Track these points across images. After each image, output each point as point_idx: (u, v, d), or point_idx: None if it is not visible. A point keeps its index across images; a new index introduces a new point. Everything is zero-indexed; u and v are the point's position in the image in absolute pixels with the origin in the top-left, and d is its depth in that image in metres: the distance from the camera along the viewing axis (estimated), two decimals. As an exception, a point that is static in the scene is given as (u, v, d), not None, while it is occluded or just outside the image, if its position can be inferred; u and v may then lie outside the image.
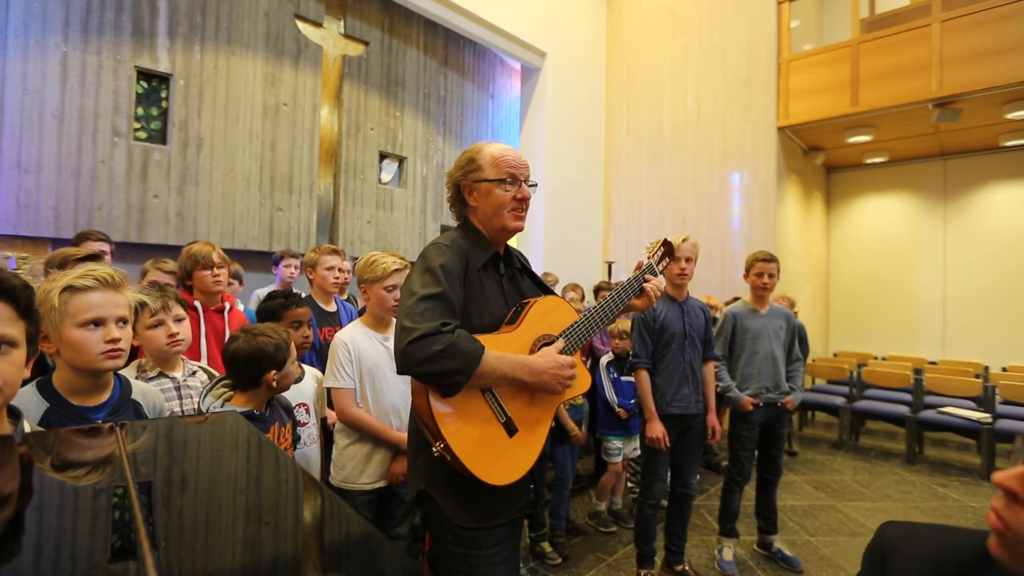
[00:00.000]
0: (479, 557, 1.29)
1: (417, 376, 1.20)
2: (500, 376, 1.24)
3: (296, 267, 3.58)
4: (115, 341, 1.19)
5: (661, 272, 1.74)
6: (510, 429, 1.28)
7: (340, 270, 2.85)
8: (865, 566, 0.78)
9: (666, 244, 1.75)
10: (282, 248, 4.30)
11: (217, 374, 1.83)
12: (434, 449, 1.20)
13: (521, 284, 1.52)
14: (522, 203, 1.41)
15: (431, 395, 1.19)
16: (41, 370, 1.69)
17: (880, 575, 0.73)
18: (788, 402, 2.99)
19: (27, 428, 1.01)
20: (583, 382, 1.45)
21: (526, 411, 1.32)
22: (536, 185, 1.47)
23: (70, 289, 1.16)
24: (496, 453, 1.24)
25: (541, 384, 1.29)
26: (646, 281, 1.61)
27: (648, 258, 1.71)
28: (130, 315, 1.26)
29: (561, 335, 1.40)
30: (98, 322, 1.18)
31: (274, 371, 1.63)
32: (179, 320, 1.73)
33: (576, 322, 1.43)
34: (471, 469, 1.19)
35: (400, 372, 1.22)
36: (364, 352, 1.97)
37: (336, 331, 2.77)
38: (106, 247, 2.68)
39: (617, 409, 3.30)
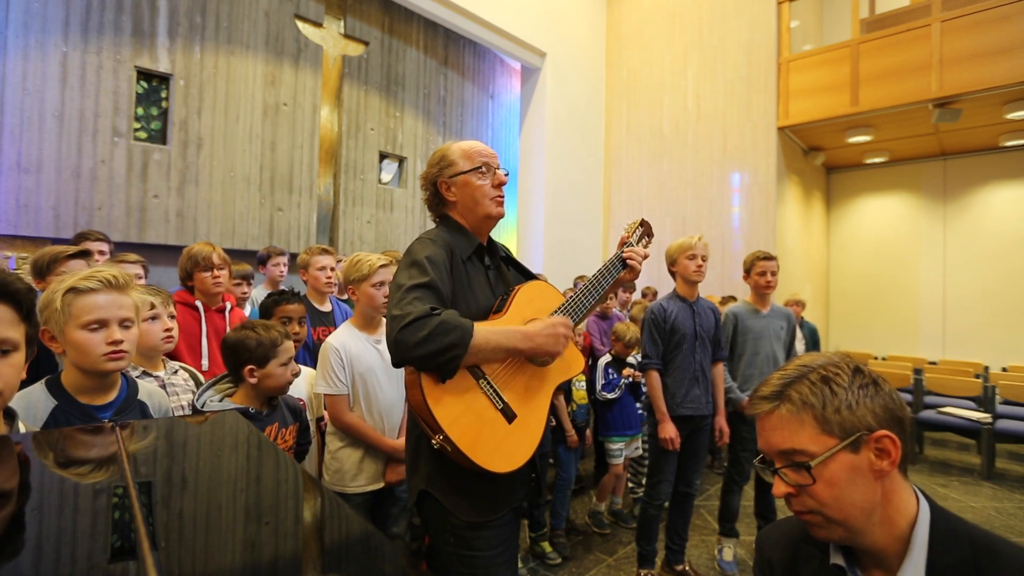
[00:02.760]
0: (481, 559, 1.28)
1: (413, 361, 1.17)
2: (495, 347, 1.22)
3: (284, 264, 3.51)
4: (117, 343, 1.19)
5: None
6: (508, 415, 1.26)
7: (332, 269, 2.85)
8: (755, 564, 0.99)
9: (644, 224, 1.72)
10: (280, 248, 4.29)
11: (198, 372, 1.84)
12: (433, 442, 1.18)
13: (507, 275, 1.53)
14: (499, 189, 1.45)
15: (425, 387, 1.17)
16: (47, 369, 1.70)
17: (758, 563, 0.96)
18: None
19: (22, 429, 1.02)
20: (576, 364, 1.45)
21: (522, 396, 1.30)
22: (508, 172, 1.49)
23: (74, 291, 1.17)
24: (497, 440, 1.23)
25: (537, 348, 1.28)
26: (628, 257, 1.57)
27: (628, 236, 1.67)
28: (136, 316, 1.26)
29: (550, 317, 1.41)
30: (101, 324, 1.18)
31: (252, 366, 1.62)
32: (172, 317, 1.77)
33: (563, 304, 1.44)
34: (473, 458, 1.17)
35: (396, 363, 1.20)
36: (356, 356, 1.95)
37: (331, 331, 2.78)
38: (105, 247, 2.69)
39: (599, 395, 3.28)
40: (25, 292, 0.89)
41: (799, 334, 5.13)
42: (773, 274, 2.96)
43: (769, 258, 2.97)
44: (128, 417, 1.24)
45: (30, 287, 0.91)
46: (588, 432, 3.28)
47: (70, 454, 0.82)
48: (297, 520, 0.68)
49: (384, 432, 1.96)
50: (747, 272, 3.04)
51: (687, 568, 2.76)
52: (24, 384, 1.03)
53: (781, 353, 3.02)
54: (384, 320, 2.09)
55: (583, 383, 3.21)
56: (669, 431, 2.53)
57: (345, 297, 3.61)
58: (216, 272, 2.31)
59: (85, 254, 2.09)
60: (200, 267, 2.28)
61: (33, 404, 1.14)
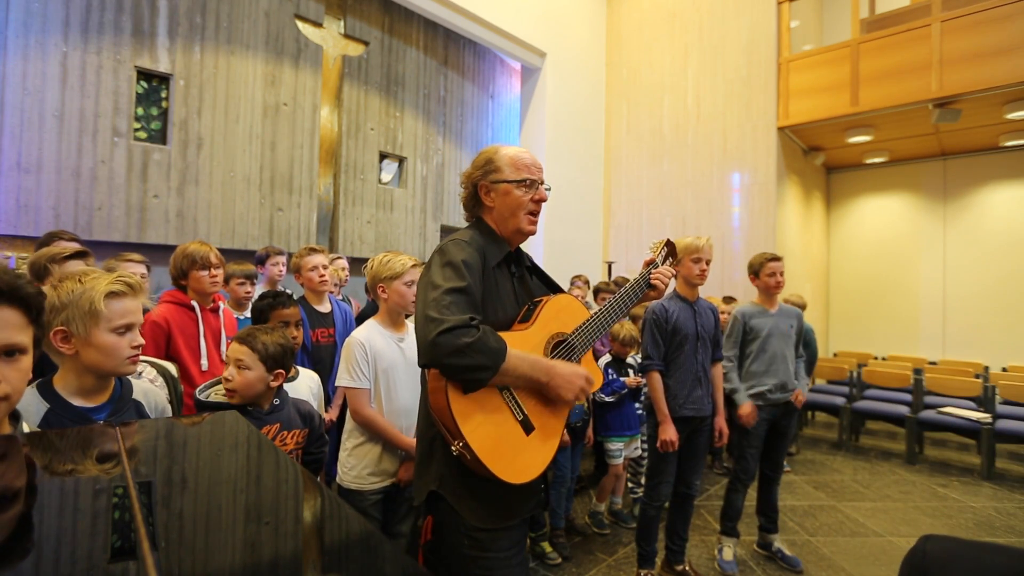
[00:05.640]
0: (497, 560, 1.29)
1: (443, 368, 1.18)
2: (520, 375, 1.24)
3: (283, 264, 3.49)
4: (139, 347, 1.23)
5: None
6: (527, 427, 1.28)
7: (325, 268, 2.81)
8: None
9: (669, 244, 1.78)
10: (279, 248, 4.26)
11: (167, 365, 1.79)
12: (453, 448, 1.19)
13: (530, 284, 1.54)
14: (538, 205, 1.45)
15: (451, 393, 1.18)
16: (51, 369, 1.69)
17: None
18: (798, 395, 2.97)
19: (27, 430, 1.02)
20: (596, 381, 1.46)
21: (541, 409, 1.32)
22: (550, 189, 1.49)
23: (111, 295, 1.18)
24: (514, 451, 1.24)
25: (554, 387, 1.29)
26: (655, 278, 1.62)
27: (654, 256, 1.73)
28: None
29: (574, 332, 1.42)
30: (128, 328, 1.21)
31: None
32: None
33: (588, 320, 1.45)
34: (490, 468, 1.18)
35: (425, 364, 1.21)
36: (380, 352, 1.98)
37: (329, 332, 2.77)
38: (76, 247, 2.65)
39: (598, 396, 3.28)
40: (35, 296, 0.89)
41: None
42: (781, 274, 2.99)
43: (777, 259, 2.99)
44: (123, 418, 1.24)
45: (40, 290, 0.92)
46: (589, 432, 3.28)
47: (70, 454, 0.82)
48: (297, 520, 0.68)
49: (401, 430, 1.98)
50: (755, 274, 3.03)
51: (687, 568, 2.76)
52: None
53: (790, 352, 3.02)
54: (407, 319, 2.13)
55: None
56: (670, 433, 2.53)
57: (342, 296, 3.60)
58: (213, 271, 2.30)
59: (82, 255, 2.09)
60: (197, 266, 2.27)
61: (24, 408, 1.12)
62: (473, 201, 1.48)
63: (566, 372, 1.30)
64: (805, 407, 5.76)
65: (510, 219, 1.43)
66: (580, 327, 1.43)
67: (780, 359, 2.97)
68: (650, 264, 1.68)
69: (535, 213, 1.45)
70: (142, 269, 2.53)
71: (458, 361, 1.15)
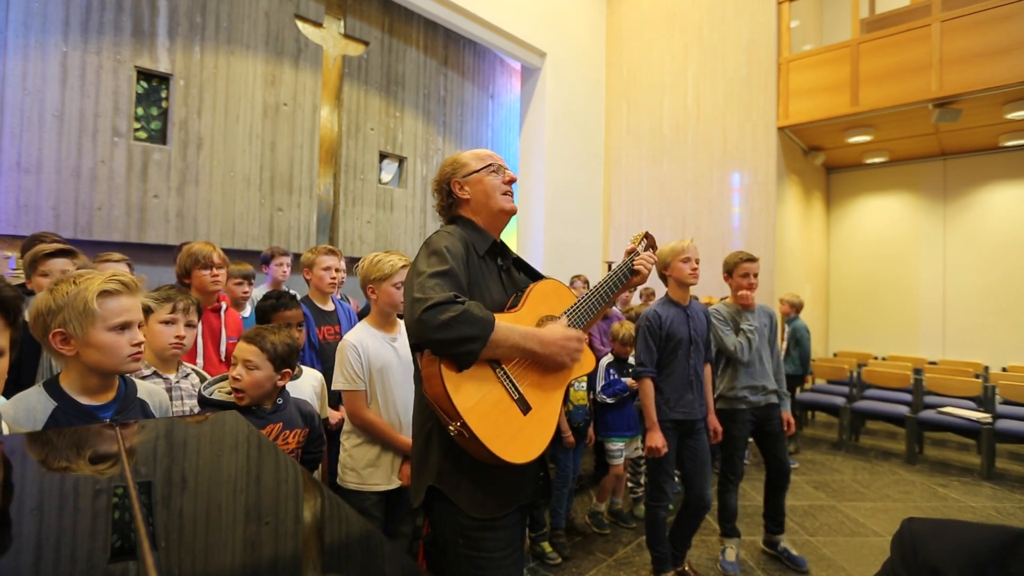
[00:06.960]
0: (490, 559, 1.29)
1: (432, 344, 1.18)
2: (512, 345, 1.25)
3: (287, 265, 3.50)
4: (140, 344, 1.23)
5: None
6: (523, 407, 1.28)
7: (337, 270, 2.83)
8: (895, 556, 0.78)
9: (648, 236, 1.81)
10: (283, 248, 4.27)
11: (208, 376, 1.85)
12: (450, 428, 1.19)
13: (516, 278, 1.57)
14: (509, 186, 1.52)
15: (444, 374, 1.18)
16: (27, 370, 1.69)
17: (912, 565, 0.74)
18: (787, 420, 2.98)
19: (6, 430, 1.02)
20: (588, 362, 1.48)
21: (537, 390, 1.33)
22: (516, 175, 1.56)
23: (104, 293, 1.18)
24: (512, 431, 1.24)
25: (550, 355, 1.31)
26: (637, 263, 1.67)
27: (634, 246, 1.76)
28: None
29: (562, 315, 1.45)
30: (126, 326, 1.21)
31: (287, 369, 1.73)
32: (189, 325, 1.76)
33: (575, 303, 1.48)
34: (489, 446, 1.18)
35: (414, 342, 1.22)
36: (373, 353, 1.98)
37: (335, 330, 2.78)
38: (59, 246, 2.65)
39: (599, 397, 3.28)
40: (12, 299, 0.90)
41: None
42: (755, 275, 2.92)
43: (753, 260, 2.93)
44: (129, 416, 1.25)
45: (17, 293, 0.92)
46: (590, 431, 3.28)
47: (70, 454, 0.82)
48: (297, 520, 0.68)
49: (400, 430, 1.98)
50: (729, 273, 2.98)
51: (687, 568, 2.76)
52: (11, 387, 1.04)
53: (765, 350, 3.01)
54: (400, 322, 2.13)
55: (583, 383, 3.21)
56: (656, 440, 2.52)
57: (341, 295, 3.61)
58: (215, 271, 2.31)
59: (67, 253, 2.09)
60: (200, 265, 2.28)
61: (32, 407, 1.14)
62: (448, 201, 1.52)
63: (558, 338, 1.32)
64: (805, 407, 5.76)
65: (488, 203, 1.48)
66: (568, 310, 1.46)
67: (756, 359, 2.95)
68: (631, 253, 1.72)
69: (510, 192, 1.52)
70: (123, 268, 2.50)
71: (445, 334, 1.15)
